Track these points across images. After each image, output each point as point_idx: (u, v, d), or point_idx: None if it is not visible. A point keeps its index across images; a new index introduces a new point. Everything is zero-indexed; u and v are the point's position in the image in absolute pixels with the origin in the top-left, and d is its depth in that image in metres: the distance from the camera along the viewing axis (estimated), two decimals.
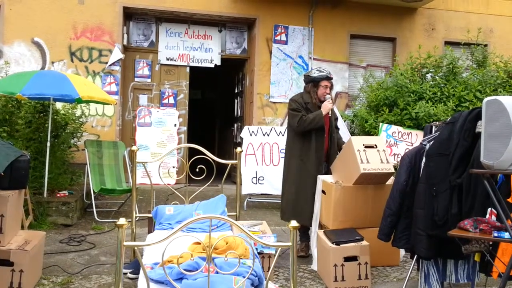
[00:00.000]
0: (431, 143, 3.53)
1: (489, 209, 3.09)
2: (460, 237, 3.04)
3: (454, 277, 3.69)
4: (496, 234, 2.85)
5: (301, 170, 4.63)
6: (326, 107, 4.55)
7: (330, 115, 4.68)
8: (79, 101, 6.08)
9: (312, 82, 4.68)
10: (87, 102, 6.32)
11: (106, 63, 7.93)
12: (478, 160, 2.92)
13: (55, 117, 6.30)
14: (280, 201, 4.87)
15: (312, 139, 4.60)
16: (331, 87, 4.71)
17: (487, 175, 2.87)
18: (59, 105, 6.74)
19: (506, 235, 2.79)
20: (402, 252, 4.45)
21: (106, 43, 7.95)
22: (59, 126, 6.40)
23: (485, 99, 2.84)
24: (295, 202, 4.63)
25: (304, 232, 4.77)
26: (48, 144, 5.81)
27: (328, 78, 4.66)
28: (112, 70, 7.99)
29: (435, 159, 3.40)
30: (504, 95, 5.73)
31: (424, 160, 3.54)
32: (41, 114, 6.19)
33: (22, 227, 4.27)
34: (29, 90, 5.29)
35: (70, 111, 6.77)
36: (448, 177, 3.29)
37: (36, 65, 7.69)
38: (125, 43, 8.18)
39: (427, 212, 3.38)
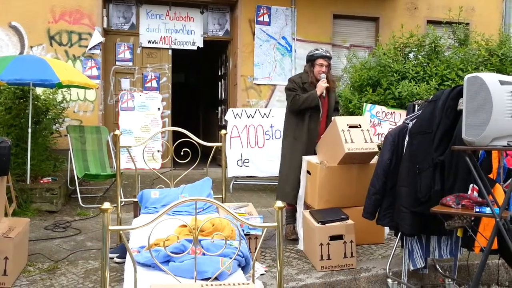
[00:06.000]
0: (413, 121, 3.56)
1: (471, 185, 3.13)
2: (443, 213, 3.09)
3: (437, 252, 3.77)
4: (477, 210, 2.90)
5: (292, 151, 4.64)
6: (320, 87, 4.51)
7: (329, 97, 4.65)
8: (60, 86, 5.97)
9: (310, 61, 4.67)
10: (68, 87, 6.22)
11: (86, 46, 7.79)
12: (460, 137, 2.96)
13: (36, 102, 6.19)
14: (265, 182, 4.89)
15: (305, 119, 4.58)
16: (329, 67, 4.65)
17: (469, 152, 2.91)
18: (39, 90, 6.62)
19: (488, 210, 2.85)
20: (386, 230, 4.51)
21: (85, 27, 7.79)
22: (40, 112, 6.29)
23: (466, 76, 2.86)
24: (286, 183, 4.66)
25: (292, 214, 4.72)
26: (30, 130, 5.72)
27: (324, 57, 4.60)
28: (93, 54, 7.85)
29: (418, 137, 3.43)
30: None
31: (407, 138, 3.56)
32: (21, 100, 6.08)
33: (6, 215, 4.22)
34: (8, 75, 5.18)
35: (50, 96, 6.66)
36: (430, 155, 3.32)
37: (15, 50, 7.52)
38: (105, 26, 8.03)
39: (410, 190, 3.42)
